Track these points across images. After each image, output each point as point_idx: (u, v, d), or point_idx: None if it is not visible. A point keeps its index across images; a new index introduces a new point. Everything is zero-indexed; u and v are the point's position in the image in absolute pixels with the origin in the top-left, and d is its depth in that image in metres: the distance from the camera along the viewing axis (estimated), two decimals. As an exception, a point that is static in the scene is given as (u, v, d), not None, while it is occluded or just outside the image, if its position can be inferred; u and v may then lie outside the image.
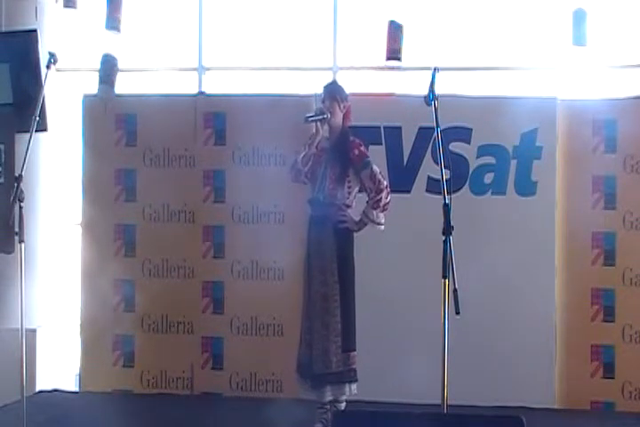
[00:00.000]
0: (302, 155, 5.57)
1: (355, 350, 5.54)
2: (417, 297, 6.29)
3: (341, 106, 5.62)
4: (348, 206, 5.60)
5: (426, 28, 6.91)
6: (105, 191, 6.91)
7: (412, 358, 6.12)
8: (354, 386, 5.53)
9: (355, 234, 5.62)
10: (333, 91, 5.67)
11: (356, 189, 5.62)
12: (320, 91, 5.78)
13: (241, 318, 6.74)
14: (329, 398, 5.51)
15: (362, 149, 5.61)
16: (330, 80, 6.05)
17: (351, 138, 5.64)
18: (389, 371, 6.32)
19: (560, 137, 6.49)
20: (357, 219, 5.60)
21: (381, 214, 5.58)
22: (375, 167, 5.59)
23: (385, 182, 5.57)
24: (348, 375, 5.51)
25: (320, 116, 5.55)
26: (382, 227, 5.61)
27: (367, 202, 5.58)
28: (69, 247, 7.31)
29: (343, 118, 5.65)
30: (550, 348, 6.40)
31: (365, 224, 5.59)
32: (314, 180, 5.63)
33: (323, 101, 5.65)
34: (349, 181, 5.57)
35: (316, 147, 5.60)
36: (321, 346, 5.49)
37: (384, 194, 5.54)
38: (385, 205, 5.56)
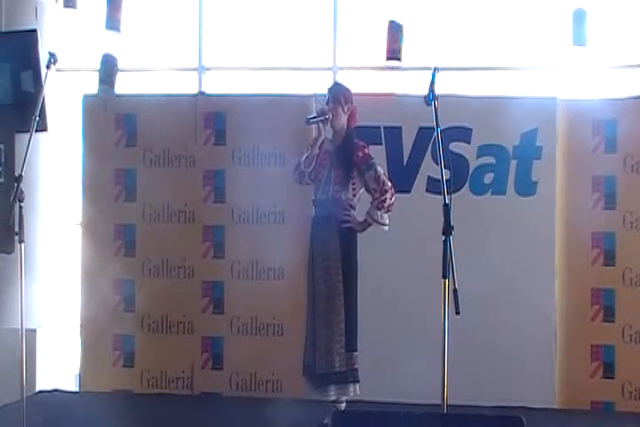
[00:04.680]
0: (305, 156, 5.58)
1: (357, 350, 5.56)
2: (417, 297, 6.28)
3: (345, 108, 5.63)
4: (352, 207, 5.62)
5: (426, 28, 6.91)
6: (105, 191, 6.91)
7: (412, 357, 6.12)
8: (357, 386, 5.54)
9: (356, 234, 5.63)
10: (337, 93, 5.67)
11: (361, 190, 5.64)
12: (321, 91, 5.80)
13: (241, 318, 6.74)
14: (332, 397, 5.52)
15: (366, 151, 5.63)
16: (334, 82, 6.04)
17: (355, 140, 5.65)
18: (389, 371, 6.32)
19: (560, 137, 6.49)
20: (361, 219, 5.61)
21: (385, 215, 5.60)
22: (379, 169, 5.61)
23: (389, 184, 5.59)
24: (352, 375, 5.53)
25: (321, 117, 5.55)
26: (386, 227, 5.63)
27: (371, 202, 5.59)
28: (69, 247, 7.30)
29: (348, 120, 5.66)
30: (550, 348, 6.40)
31: (369, 225, 5.61)
32: (317, 181, 5.64)
33: (327, 103, 5.66)
34: (354, 183, 5.59)
35: (319, 148, 5.61)
36: (324, 346, 5.49)
37: (389, 195, 5.56)
38: (389, 206, 5.58)
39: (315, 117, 5.58)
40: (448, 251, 4.11)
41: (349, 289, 5.54)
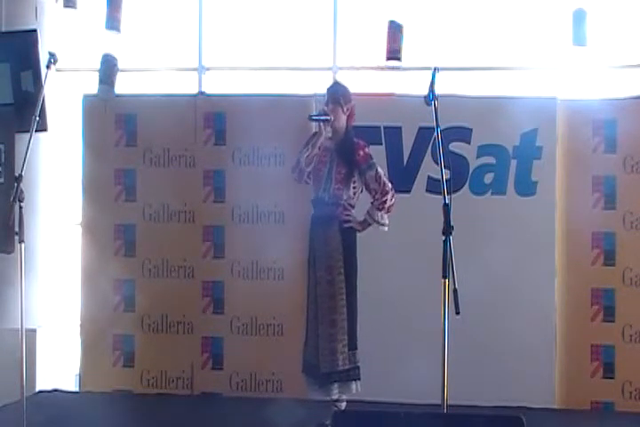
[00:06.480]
0: (306, 155, 5.58)
1: (357, 349, 5.58)
2: (417, 297, 6.28)
3: (344, 108, 5.65)
4: (352, 206, 5.64)
5: (426, 28, 6.91)
6: (105, 191, 6.91)
7: (412, 357, 6.13)
8: (358, 384, 5.57)
9: (356, 234, 5.64)
10: (336, 93, 5.69)
11: (360, 189, 5.66)
12: (321, 91, 5.81)
13: (241, 318, 6.74)
14: (335, 396, 5.54)
15: (366, 150, 5.65)
16: (332, 82, 6.04)
17: (355, 140, 5.67)
18: (389, 371, 6.32)
19: (560, 137, 6.49)
20: (361, 219, 5.63)
21: (385, 215, 5.63)
22: (380, 169, 5.65)
23: (390, 185, 5.62)
24: (354, 373, 5.56)
25: (323, 117, 5.58)
26: (386, 228, 5.65)
27: (372, 203, 5.62)
28: (69, 247, 7.30)
29: (347, 119, 5.68)
30: (550, 348, 6.40)
31: (369, 225, 5.63)
32: (318, 180, 5.65)
33: (326, 104, 5.68)
34: (354, 182, 5.61)
35: (319, 147, 5.62)
36: (328, 345, 5.51)
37: (389, 196, 5.59)
38: (390, 207, 5.62)
39: (317, 116, 5.62)
40: (448, 251, 4.11)
41: (350, 288, 5.56)
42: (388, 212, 5.63)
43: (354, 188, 5.62)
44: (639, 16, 6.78)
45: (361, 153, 5.61)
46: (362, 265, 5.65)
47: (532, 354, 6.36)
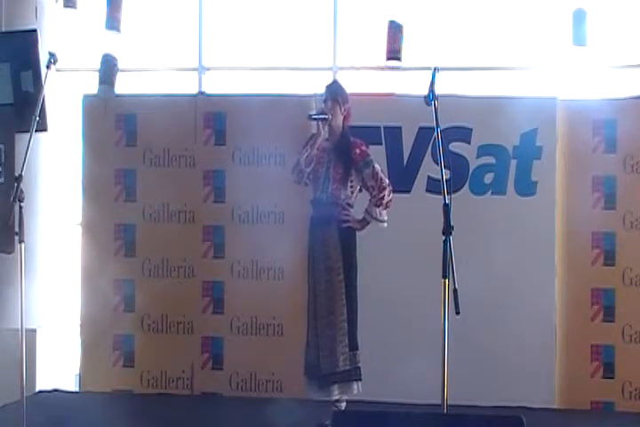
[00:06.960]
0: (305, 156, 5.60)
1: (358, 349, 5.58)
2: (417, 297, 6.28)
3: (342, 108, 5.68)
4: (351, 206, 5.64)
5: (426, 28, 6.91)
6: (105, 191, 6.91)
7: (412, 358, 6.12)
8: (359, 384, 5.57)
9: (356, 233, 5.65)
10: (335, 92, 5.72)
11: (358, 188, 5.67)
12: (321, 90, 5.82)
13: (241, 318, 6.74)
14: (336, 397, 5.55)
15: (363, 148, 5.67)
16: (332, 80, 6.05)
17: (352, 139, 5.68)
18: (389, 371, 6.31)
19: (560, 137, 6.49)
20: (359, 218, 5.63)
21: (384, 211, 5.64)
22: (377, 165, 5.66)
23: (387, 180, 5.64)
24: (355, 373, 5.57)
25: (322, 116, 5.60)
26: (385, 224, 5.65)
27: (370, 200, 5.63)
28: (69, 247, 7.30)
29: (343, 120, 5.70)
30: (550, 348, 6.40)
31: (368, 222, 5.65)
32: (316, 180, 5.67)
33: (324, 102, 5.70)
34: (352, 181, 5.63)
35: (317, 148, 5.63)
36: (328, 346, 5.52)
37: (387, 192, 5.61)
38: (388, 202, 5.63)
39: (316, 115, 5.64)
40: (448, 251, 4.11)
41: (350, 288, 5.57)
42: (386, 208, 5.64)
43: (351, 187, 5.63)
44: (639, 16, 6.78)
45: (357, 151, 5.63)
46: (362, 265, 5.66)
47: (532, 354, 6.36)
